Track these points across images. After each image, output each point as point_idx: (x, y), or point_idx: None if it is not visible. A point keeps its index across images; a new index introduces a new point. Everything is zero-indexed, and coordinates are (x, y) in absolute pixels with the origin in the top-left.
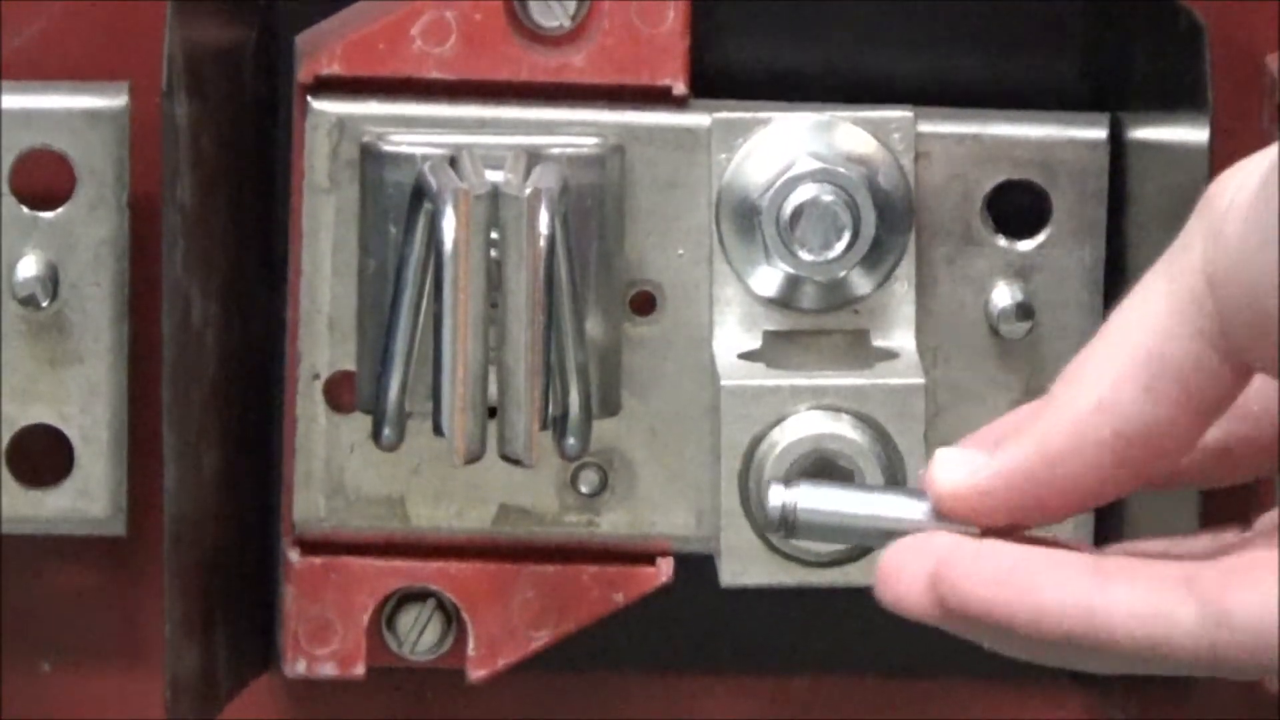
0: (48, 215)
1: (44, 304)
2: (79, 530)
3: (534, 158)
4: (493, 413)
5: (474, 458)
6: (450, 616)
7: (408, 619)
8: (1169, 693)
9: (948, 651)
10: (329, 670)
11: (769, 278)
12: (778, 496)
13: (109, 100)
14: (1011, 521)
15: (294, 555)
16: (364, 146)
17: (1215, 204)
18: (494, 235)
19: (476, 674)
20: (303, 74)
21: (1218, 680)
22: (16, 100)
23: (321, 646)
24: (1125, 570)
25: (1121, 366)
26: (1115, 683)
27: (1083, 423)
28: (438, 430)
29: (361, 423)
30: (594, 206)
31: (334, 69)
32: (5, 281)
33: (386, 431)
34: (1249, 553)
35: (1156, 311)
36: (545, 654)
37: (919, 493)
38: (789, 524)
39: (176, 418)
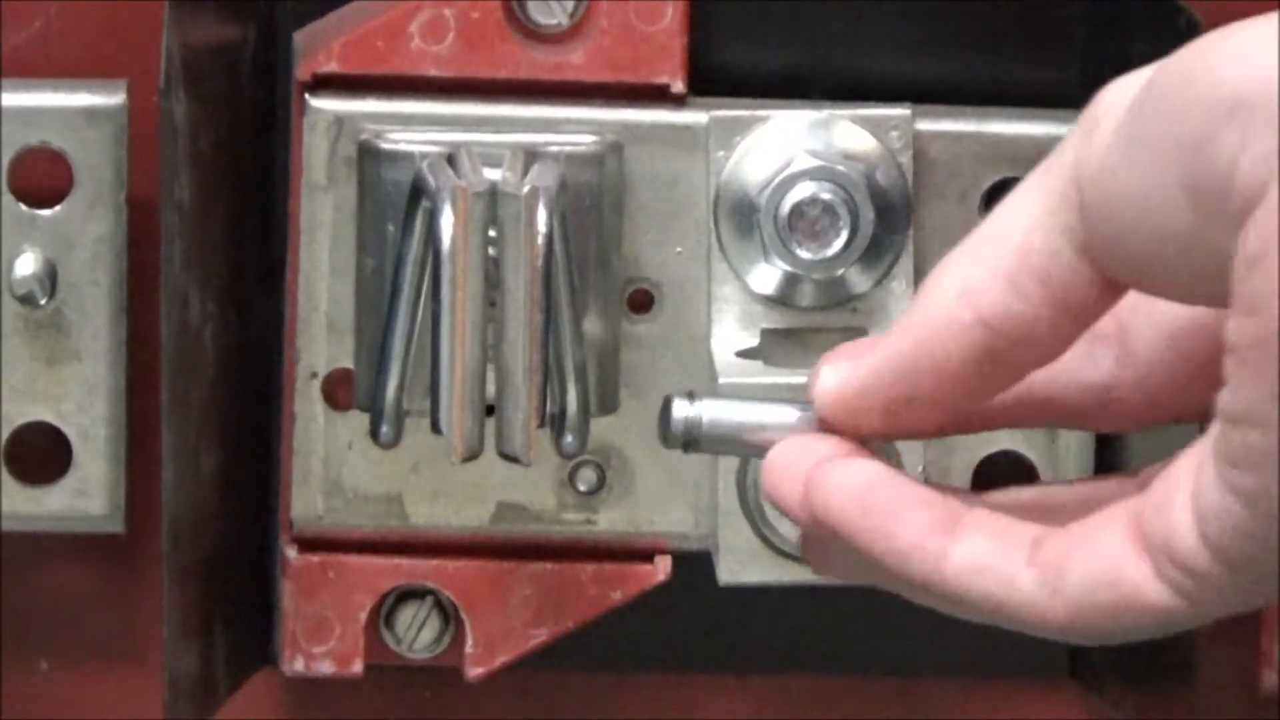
0: (46, 213)
1: (42, 302)
2: (77, 528)
3: (532, 156)
4: (491, 411)
5: (472, 456)
6: (448, 614)
7: (406, 617)
8: (1168, 691)
9: (946, 651)
10: (327, 668)
11: (767, 275)
12: (681, 410)
13: (107, 98)
14: (888, 425)
15: (292, 553)
16: (362, 144)
17: (1095, 109)
18: (492, 233)
19: (474, 672)
20: (301, 72)
21: (1217, 678)
22: (15, 98)
23: (319, 644)
24: (980, 525)
25: (987, 257)
26: (1114, 681)
27: (948, 309)
28: (436, 428)
29: (360, 421)
30: (592, 204)
31: (332, 67)
32: (4, 279)
33: (384, 429)
34: (1101, 515)
35: (1026, 207)
36: (543, 652)
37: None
38: (693, 438)
39: (175, 416)
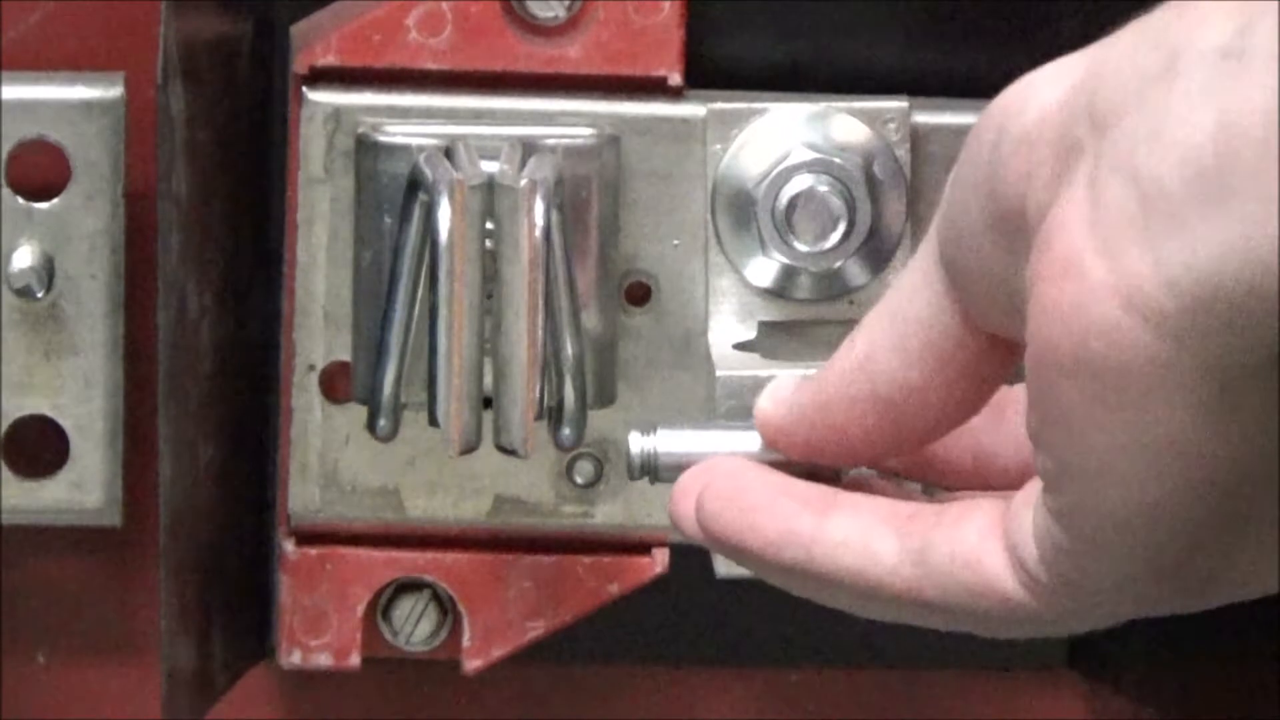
0: (43, 206)
1: (39, 295)
2: (74, 521)
3: (529, 148)
4: (488, 403)
5: (469, 448)
6: (445, 607)
7: (403, 610)
8: (1167, 681)
9: (944, 643)
10: (324, 661)
11: (764, 268)
12: (637, 444)
13: (104, 91)
14: (808, 459)
15: (289, 546)
16: (359, 137)
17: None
18: (489, 226)
19: (472, 665)
20: (298, 64)
21: (1217, 672)
22: (12, 91)
23: (317, 637)
24: (851, 504)
25: (880, 324)
26: (1113, 672)
27: (847, 377)
28: (433, 421)
29: (357, 413)
30: (589, 197)
31: (329, 60)
32: (1, 272)
33: (382, 422)
34: (977, 500)
35: (911, 272)
36: (540, 645)
37: None
38: (651, 469)
39: (172, 409)
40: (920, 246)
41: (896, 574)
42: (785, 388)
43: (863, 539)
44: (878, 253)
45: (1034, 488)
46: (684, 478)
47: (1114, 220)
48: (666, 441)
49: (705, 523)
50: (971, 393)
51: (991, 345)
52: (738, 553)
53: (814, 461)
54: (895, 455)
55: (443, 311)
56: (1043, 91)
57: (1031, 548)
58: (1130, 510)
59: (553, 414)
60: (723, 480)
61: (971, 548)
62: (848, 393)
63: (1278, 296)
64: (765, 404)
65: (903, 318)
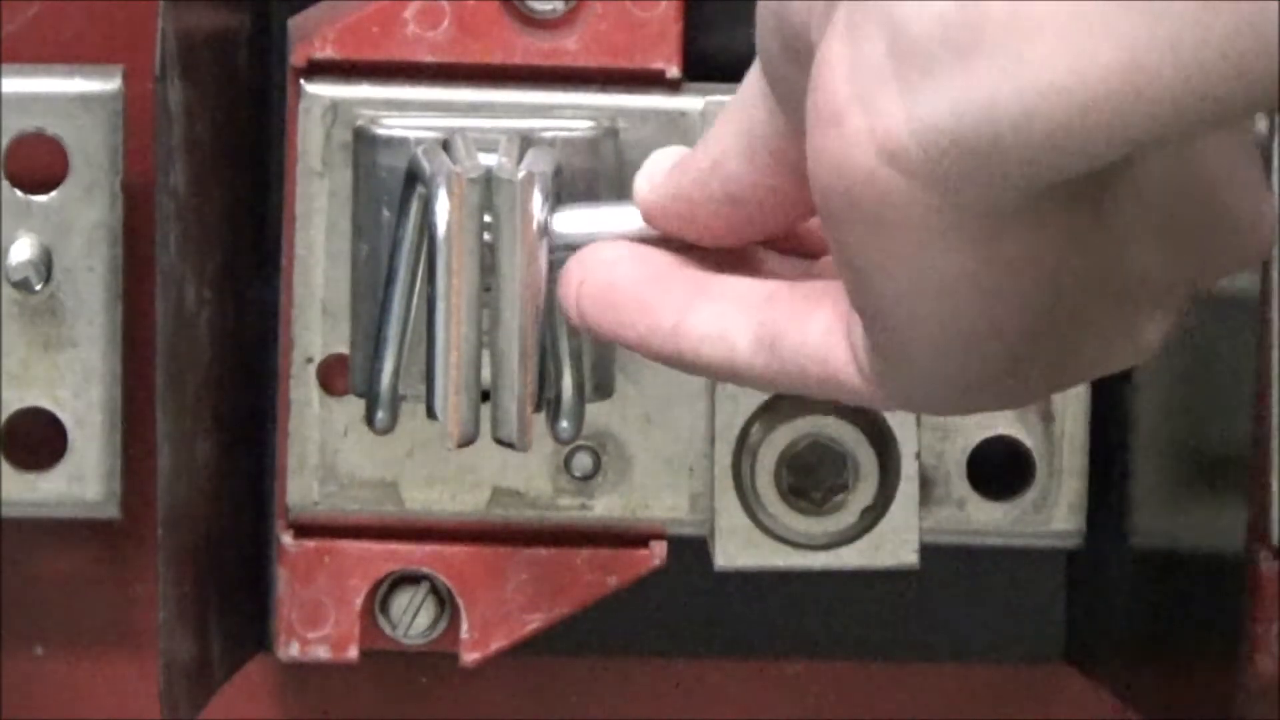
0: (41, 199)
1: (37, 288)
2: (72, 513)
3: (527, 141)
4: (486, 396)
5: (467, 441)
6: (443, 600)
7: (401, 602)
8: (1164, 674)
9: (941, 635)
10: (322, 654)
11: None
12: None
13: (103, 84)
14: (680, 238)
15: (287, 539)
16: (357, 130)
17: None
18: (487, 218)
19: (470, 657)
20: (295, 57)
21: (1217, 664)
22: (10, 84)
23: (315, 630)
24: (714, 293)
25: (726, 129)
26: (1110, 665)
27: (701, 178)
28: (431, 414)
29: (355, 406)
30: (587, 190)
31: (327, 53)
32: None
33: (380, 415)
34: (821, 286)
35: (748, 79)
36: (538, 637)
37: None
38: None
39: (170, 402)
40: (756, 58)
41: (753, 364)
42: (659, 171)
43: (720, 331)
44: None
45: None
46: (568, 265)
47: (869, 67)
48: (561, 221)
49: (583, 316)
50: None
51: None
52: (617, 343)
53: (699, 242)
54: (758, 240)
55: (441, 304)
56: None
57: (862, 352)
58: (935, 343)
59: (551, 406)
60: (596, 273)
61: (818, 343)
62: (703, 192)
63: (1024, 147)
64: (641, 185)
65: (746, 125)
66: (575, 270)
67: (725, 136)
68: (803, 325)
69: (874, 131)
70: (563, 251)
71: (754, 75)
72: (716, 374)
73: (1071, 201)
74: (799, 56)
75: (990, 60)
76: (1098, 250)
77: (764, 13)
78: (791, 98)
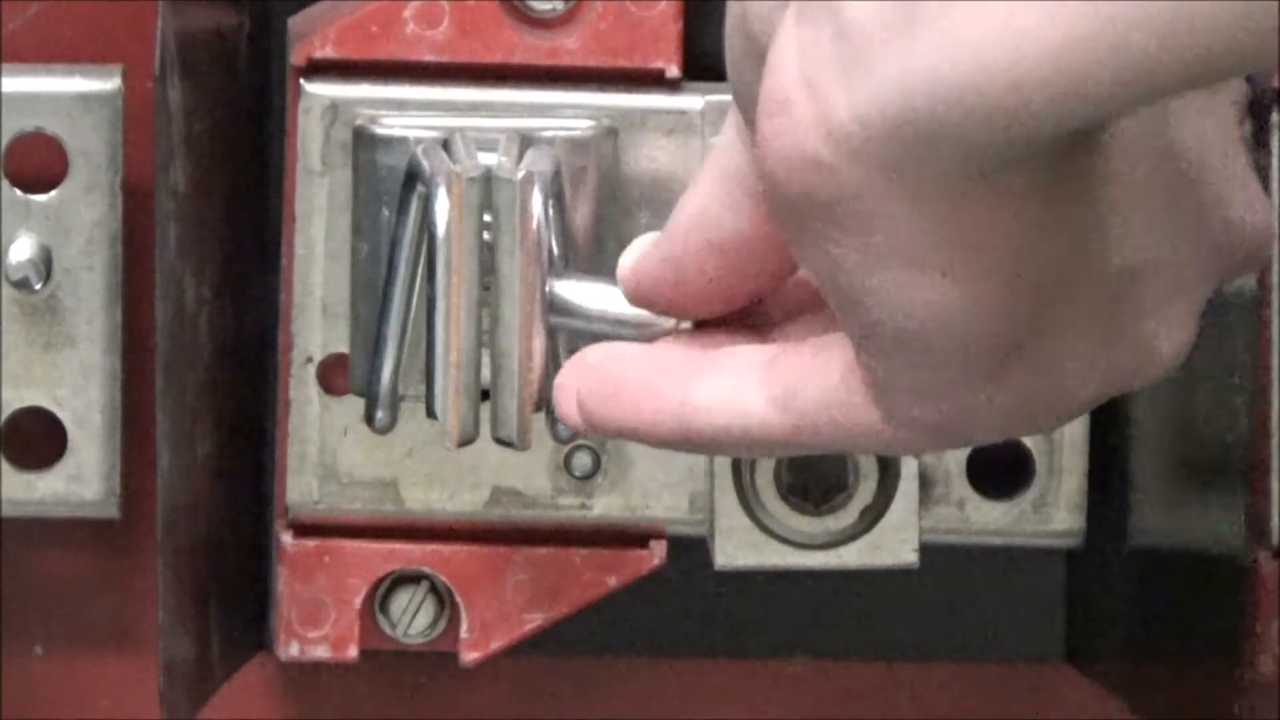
0: (41, 198)
1: (37, 287)
2: (72, 513)
3: (527, 140)
4: (486, 395)
5: (467, 441)
6: (443, 599)
7: (401, 602)
8: (1164, 674)
9: (941, 635)
10: (322, 653)
11: None
12: None
13: (102, 84)
14: (669, 312)
15: (287, 538)
16: (357, 129)
17: None
18: (487, 218)
19: (469, 657)
20: (295, 57)
21: (1217, 664)
22: (10, 83)
23: (314, 629)
24: (715, 364)
25: (710, 179)
26: (1110, 665)
27: (687, 232)
28: (431, 413)
29: (355, 406)
30: (587, 189)
31: (327, 52)
32: None
33: (380, 414)
34: (830, 339)
35: (727, 125)
36: (538, 637)
37: None
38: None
39: (170, 402)
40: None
41: (768, 424)
42: (641, 246)
43: (730, 396)
44: None
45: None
46: (561, 375)
47: (815, 54)
48: (563, 289)
49: (587, 415)
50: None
51: None
52: (627, 437)
53: (675, 314)
54: (745, 301)
55: (440, 304)
56: None
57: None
58: (922, 348)
59: (550, 406)
60: (593, 373)
61: (835, 387)
62: (688, 247)
63: (963, 124)
64: (626, 262)
65: (727, 172)
66: (570, 376)
67: (706, 184)
68: (820, 375)
69: (820, 117)
70: (561, 319)
71: (730, 118)
72: (730, 442)
73: (1035, 182)
74: (760, 60)
75: (926, 39)
76: (1076, 237)
77: (731, 14)
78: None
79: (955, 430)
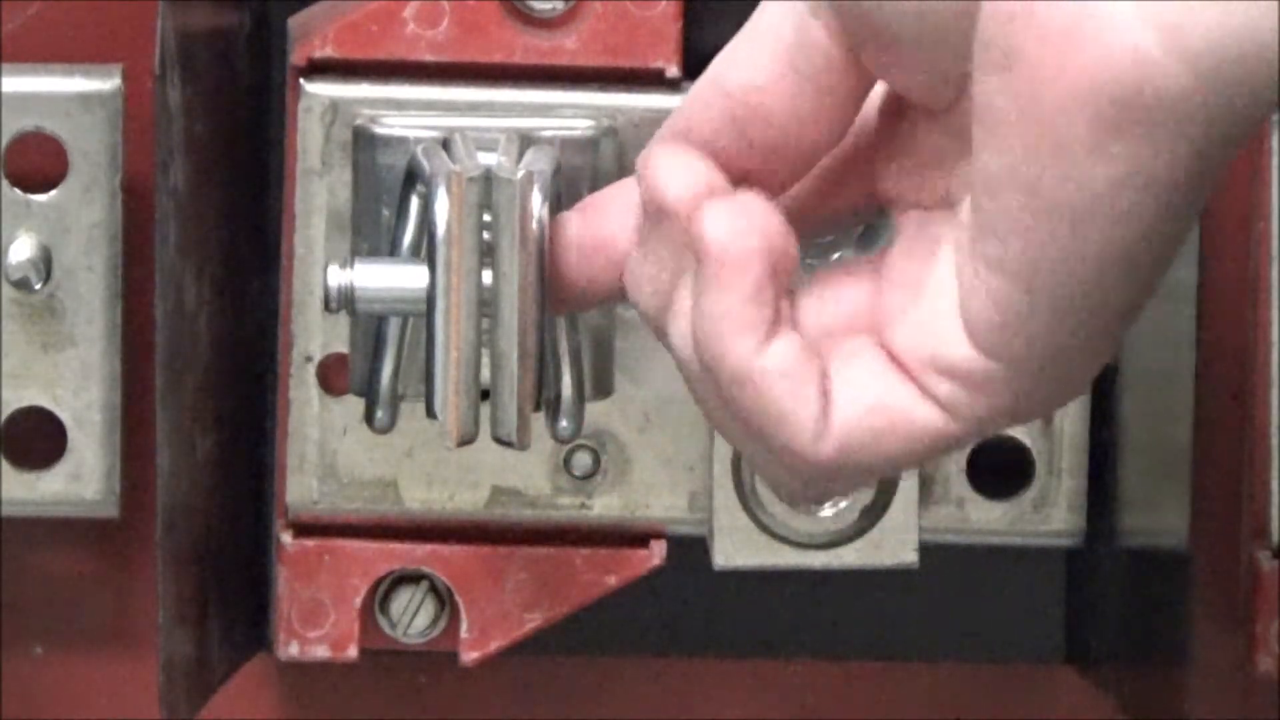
0: (41, 198)
1: (37, 287)
2: (71, 512)
3: (527, 140)
4: (486, 395)
5: (467, 440)
6: (443, 599)
7: (400, 601)
8: (1163, 675)
9: (942, 635)
10: (321, 653)
11: None
12: (334, 277)
13: (102, 84)
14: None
15: (287, 538)
16: (356, 129)
17: None
18: (487, 218)
19: (469, 656)
20: (295, 57)
21: (1212, 662)
22: (9, 83)
23: (314, 629)
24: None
25: (736, 47)
26: (1110, 666)
27: (702, 95)
28: (431, 413)
29: (354, 405)
30: (587, 189)
31: (327, 52)
32: None
33: (379, 414)
34: (852, 346)
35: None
36: (538, 637)
37: None
38: (349, 300)
39: (170, 402)
40: None
41: (819, 446)
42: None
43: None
44: (876, 244)
45: (942, 286)
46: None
47: None
48: (364, 275)
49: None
50: (825, 105)
51: (852, 67)
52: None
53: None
54: (764, 171)
55: (440, 303)
56: None
57: (958, 346)
58: (1098, 256)
59: (550, 406)
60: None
61: (874, 392)
62: (704, 110)
63: (1262, 81)
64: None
65: (758, 35)
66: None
67: (732, 52)
68: (850, 383)
69: (1158, 20)
70: (366, 305)
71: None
72: (764, 431)
73: (1224, 162)
74: None
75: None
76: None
77: None
78: (864, 22)
79: (1047, 382)
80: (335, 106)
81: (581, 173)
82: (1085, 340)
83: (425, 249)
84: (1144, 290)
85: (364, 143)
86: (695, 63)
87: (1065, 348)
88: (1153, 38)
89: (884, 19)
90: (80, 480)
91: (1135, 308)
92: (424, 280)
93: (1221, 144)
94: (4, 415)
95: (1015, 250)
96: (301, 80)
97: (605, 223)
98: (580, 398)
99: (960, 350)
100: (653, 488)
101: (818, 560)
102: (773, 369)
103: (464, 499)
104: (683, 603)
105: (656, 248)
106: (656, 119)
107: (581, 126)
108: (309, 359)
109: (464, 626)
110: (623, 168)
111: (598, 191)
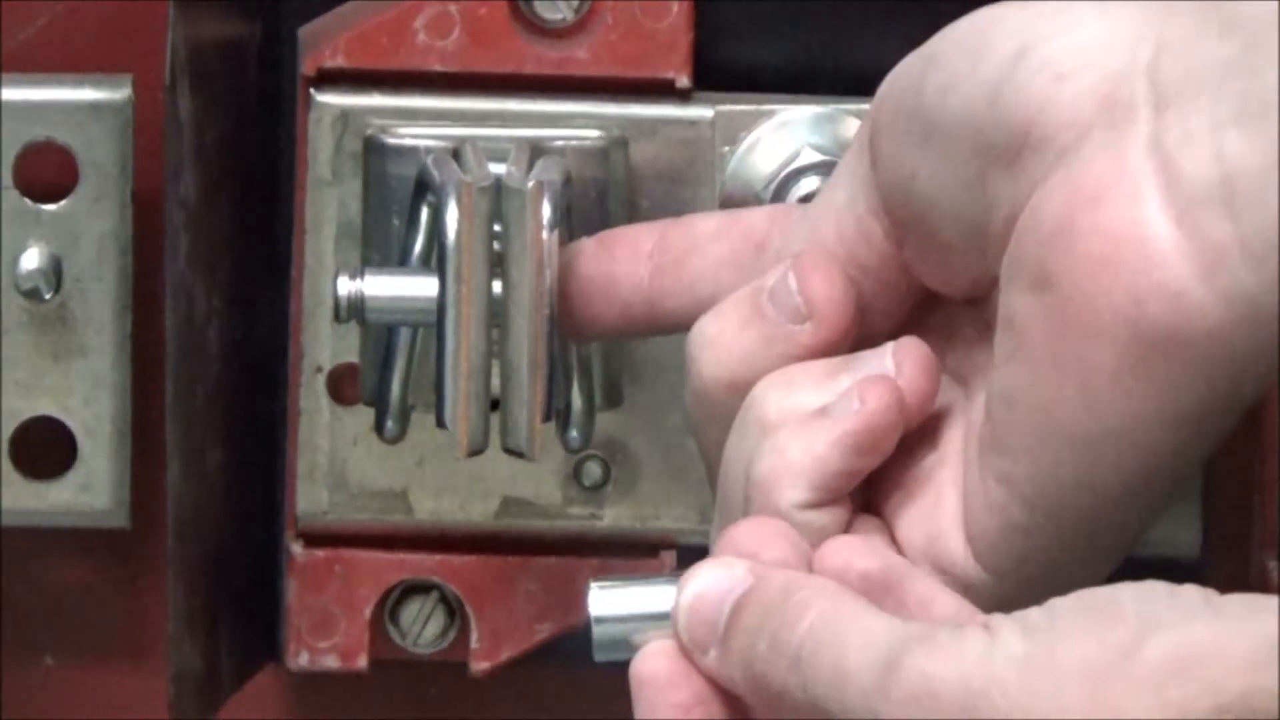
0: (51, 208)
1: (47, 297)
2: (81, 523)
3: (537, 150)
4: (496, 405)
5: (477, 450)
6: (453, 609)
7: (411, 612)
8: None
9: None
10: (331, 663)
11: None
12: (345, 287)
13: (112, 93)
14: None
15: (297, 548)
16: (367, 139)
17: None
18: (497, 228)
19: (479, 667)
20: (306, 67)
21: None
22: (20, 93)
23: (324, 639)
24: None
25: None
26: None
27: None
28: (441, 423)
29: (365, 415)
30: (597, 199)
31: (337, 62)
32: (8, 274)
33: (389, 424)
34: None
35: (838, 190)
36: (548, 647)
37: None
38: (359, 310)
39: (180, 412)
40: (842, 169)
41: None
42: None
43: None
44: None
45: (946, 488)
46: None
47: (1193, 191)
48: (374, 285)
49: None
50: (888, 299)
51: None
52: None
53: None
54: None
55: (450, 313)
56: (1089, 28)
57: (959, 547)
58: (1109, 485)
59: (560, 416)
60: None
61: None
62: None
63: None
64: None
65: (833, 234)
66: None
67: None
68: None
69: (1197, 252)
70: (376, 315)
71: (839, 191)
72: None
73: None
74: (997, 148)
75: None
76: None
77: (946, 97)
78: (911, 201)
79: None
80: (346, 116)
81: (592, 183)
82: (1087, 559)
83: (435, 259)
84: (1157, 512)
85: (374, 153)
86: (706, 73)
87: (1063, 567)
88: (1192, 272)
89: (921, 208)
90: (90, 490)
91: (1146, 527)
92: (434, 290)
93: (1254, 381)
94: (14, 425)
95: (1023, 469)
96: (312, 90)
97: (611, 264)
98: (591, 408)
99: (958, 553)
100: (663, 498)
101: None
102: None
103: (474, 509)
104: None
105: None
106: (667, 129)
107: (592, 136)
108: (319, 369)
109: (474, 637)
110: (633, 178)
111: (615, 229)
